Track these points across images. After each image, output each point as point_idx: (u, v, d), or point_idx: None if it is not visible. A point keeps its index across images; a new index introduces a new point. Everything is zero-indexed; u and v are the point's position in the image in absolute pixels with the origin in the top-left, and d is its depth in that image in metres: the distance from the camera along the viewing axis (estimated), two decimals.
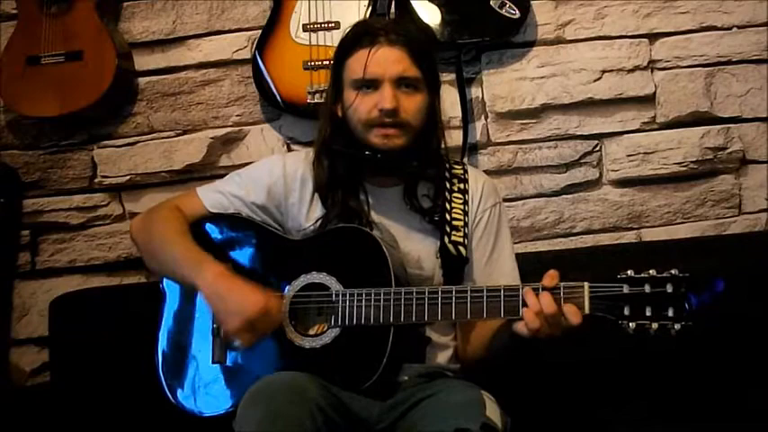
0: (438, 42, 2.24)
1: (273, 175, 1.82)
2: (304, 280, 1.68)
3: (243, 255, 1.78)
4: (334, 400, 1.55)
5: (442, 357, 1.77)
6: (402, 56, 1.68)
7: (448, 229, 1.74)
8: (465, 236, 1.75)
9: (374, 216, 1.77)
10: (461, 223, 1.76)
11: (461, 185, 1.81)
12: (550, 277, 1.51)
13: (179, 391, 1.74)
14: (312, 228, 1.77)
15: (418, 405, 1.61)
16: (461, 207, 1.78)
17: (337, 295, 1.63)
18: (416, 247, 1.76)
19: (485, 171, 2.20)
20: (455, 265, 1.74)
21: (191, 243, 1.72)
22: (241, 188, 1.82)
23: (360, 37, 1.71)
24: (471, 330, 1.78)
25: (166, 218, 1.79)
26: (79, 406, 2.12)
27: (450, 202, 1.78)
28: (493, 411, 1.55)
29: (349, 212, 1.74)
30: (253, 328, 1.58)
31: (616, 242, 2.38)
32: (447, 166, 1.83)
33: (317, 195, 1.79)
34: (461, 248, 1.73)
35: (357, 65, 1.69)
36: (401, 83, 1.69)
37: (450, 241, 1.73)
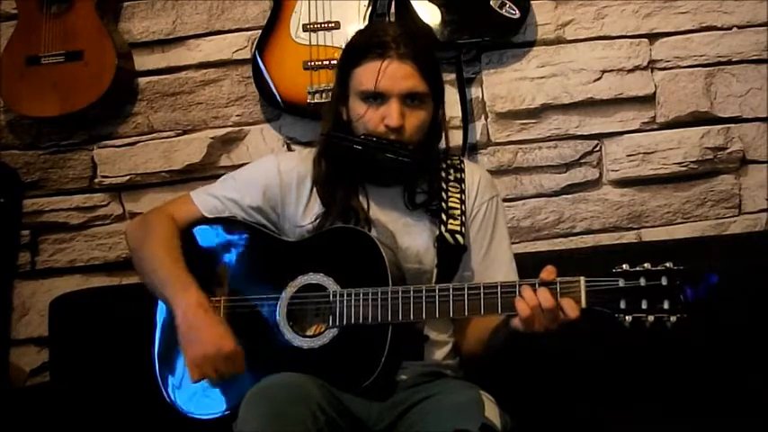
0: (438, 42, 2.24)
1: (269, 176, 1.80)
2: (301, 281, 1.68)
3: (240, 258, 1.78)
4: (334, 401, 1.55)
5: (440, 354, 1.77)
6: (411, 72, 1.67)
7: (444, 218, 1.74)
8: (462, 224, 1.74)
9: (373, 214, 1.76)
10: (458, 212, 1.75)
11: (458, 175, 1.81)
12: (548, 272, 1.51)
13: (177, 393, 1.74)
14: (310, 226, 1.77)
15: (417, 405, 1.62)
16: (458, 196, 1.77)
17: (335, 295, 1.63)
18: (416, 243, 1.76)
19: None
20: (452, 254, 1.73)
21: (178, 265, 1.69)
22: (236, 191, 1.81)
23: (370, 47, 1.69)
24: (469, 327, 1.78)
25: (158, 231, 1.76)
26: (79, 406, 2.12)
27: (447, 191, 1.78)
28: (492, 411, 1.55)
29: (348, 211, 1.74)
30: (210, 368, 1.57)
31: (616, 242, 2.38)
32: (443, 156, 1.83)
33: (314, 194, 1.78)
34: (459, 237, 1.73)
35: (366, 77, 1.68)
36: (408, 98, 1.68)
37: (448, 230, 1.73)
